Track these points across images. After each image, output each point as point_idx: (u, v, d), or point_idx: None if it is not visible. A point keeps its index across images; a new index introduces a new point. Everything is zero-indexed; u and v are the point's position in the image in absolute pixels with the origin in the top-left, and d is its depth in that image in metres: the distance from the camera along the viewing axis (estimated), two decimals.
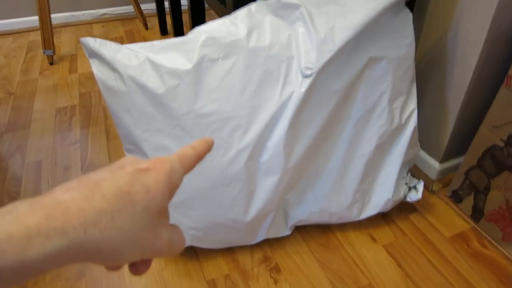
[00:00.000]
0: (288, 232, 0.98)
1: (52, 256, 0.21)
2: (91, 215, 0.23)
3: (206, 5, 1.18)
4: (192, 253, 0.96)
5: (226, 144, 0.77)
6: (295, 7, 0.76)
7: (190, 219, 0.85)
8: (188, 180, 0.80)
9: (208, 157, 0.79)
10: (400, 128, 0.91)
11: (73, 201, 0.23)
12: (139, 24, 2.37)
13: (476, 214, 1.03)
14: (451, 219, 1.06)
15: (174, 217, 0.85)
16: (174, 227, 0.29)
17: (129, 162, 0.28)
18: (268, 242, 0.99)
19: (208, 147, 0.34)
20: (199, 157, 0.32)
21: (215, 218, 0.85)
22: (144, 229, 0.26)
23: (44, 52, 1.88)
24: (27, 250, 0.21)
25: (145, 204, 0.26)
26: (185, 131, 0.76)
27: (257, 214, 0.86)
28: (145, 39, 2.17)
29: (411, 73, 0.88)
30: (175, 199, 0.81)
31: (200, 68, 0.73)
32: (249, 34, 0.74)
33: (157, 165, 0.28)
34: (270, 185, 0.83)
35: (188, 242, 0.90)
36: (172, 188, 0.28)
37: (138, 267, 0.29)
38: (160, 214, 0.27)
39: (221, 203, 0.83)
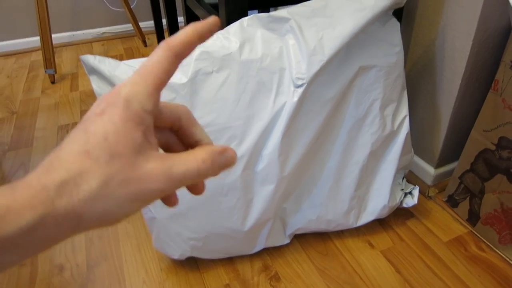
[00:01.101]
0: (287, 241, 1.00)
1: (28, 230, 0.22)
2: (53, 188, 0.23)
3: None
4: (193, 264, 0.97)
5: None
6: (285, 20, 0.79)
7: (189, 229, 0.87)
8: (186, 191, 0.82)
9: None
10: (393, 134, 0.93)
11: (36, 178, 0.23)
12: (138, 42, 2.42)
13: (472, 218, 1.04)
14: (448, 224, 1.07)
15: (174, 228, 0.87)
16: (171, 155, 0.26)
17: (89, 113, 0.25)
18: (268, 251, 1.00)
19: (200, 34, 0.27)
20: (178, 55, 0.26)
21: (214, 228, 0.87)
22: (119, 179, 0.24)
23: (45, 71, 1.92)
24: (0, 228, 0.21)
25: (107, 155, 0.23)
26: None
27: (255, 223, 0.87)
28: (144, 56, 2.21)
29: (401, 80, 0.90)
30: (174, 210, 0.83)
31: (195, 81, 0.76)
32: (241, 47, 0.77)
33: (109, 102, 0.25)
34: (267, 193, 0.85)
35: (188, 253, 0.92)
36: (136, 115, 0.24)
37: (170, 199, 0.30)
38: (134, 149, 0.24)
39: (219, 213, 0.84)
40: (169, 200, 0.32)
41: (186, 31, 0.27)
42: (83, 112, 1.68)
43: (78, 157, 0.23)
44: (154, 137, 0.26)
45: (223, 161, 0.27)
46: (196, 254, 0.93)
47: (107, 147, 0.23)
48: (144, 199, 0.25)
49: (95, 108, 0.25)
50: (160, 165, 0.25)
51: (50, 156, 0.24)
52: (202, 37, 0.27)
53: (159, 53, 0.26)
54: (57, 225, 0.23)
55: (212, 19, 0.27)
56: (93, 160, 0.23)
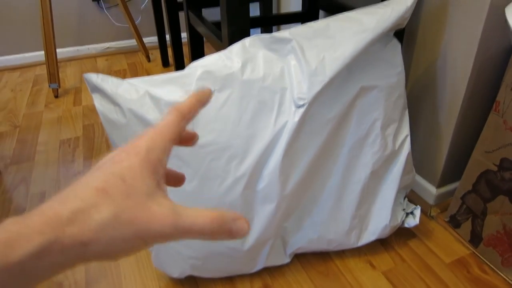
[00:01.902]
0: (287, 260, 0.99)
1: (35, 256, 0.23)
2: (66, 215, 0.24)
3: (204, 38, 1.23)
4: (193, 283, 0.97)
5: (223, 173, 0.79)
6: (287, 41, 0.79)
7: (190, 248, 0.87)
8: None
9: (205, 186, 0.81)
10: (394, 154, 0.93)
11: (49, 207, 0.25)
12: (141, 57, 2.44)
13: (475, 239, 1.04)
14: (450, 245, 1.06)
15: (174, 246, 0.87)
16: (183, 207, 0.28)
17: (106, 159, 0.28)
18: (268, 271, 0.99)
19: (199, 102, 0.32)
20: (186, 118, 0.31)
21: (214, 247, 0.86)
22: (130, 215, 0.25)
23: (49, 86, 1.93)
24: (10, 252, 0.22)
25: (123, 193, 0.26)
26: (183, 161, 0.79)
27: (255, 242, 0.87)
28: (147, 71, 2.22)
29: (402, 100, 0.91)
30: None
31: None
32: (243, 67, 0.77)
33: (130, 152, 0.27)
34: (267, 212, 0.84)
35: (188, 272, 0.91)
36: (154, 166, 0.27)
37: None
38: (148, 194, 0.26)
39: None
40: None
41: (191, 100, 0.31)
42: (85, 127, 1.69)
43: (95, 192, 0.25)
44: (165, 186, 0.28)
45: (234, 228, 0.27)
46: (196, 273, 0.92)
47: (123, 188, 0.26)
48: (147, 240, 0.26)
49: (113, 155, 0.28)
50: (170, 211, 0.26)
51: (65, 189, 0.26)
52: (203, 103, 0.32)
53: (171, 116, 0.30)
54: (62, 253, 0.24)
55: (208, 90, 0.33)
56: (108, 196, 0.25)
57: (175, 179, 0.36)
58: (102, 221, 0.25)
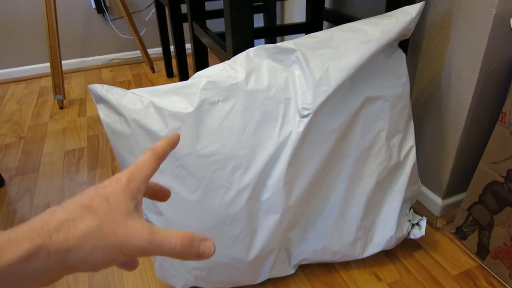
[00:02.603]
0: (291, 271, 0.98)
1: (24, 259, 0.25)
2: (53, 224, 0.27)
3: (208, 49, 1.23)
4: None
5: (227, 183, 0.79)
6: (291, 51, 0.79)
7: None
8: (190, 219, 0.82)
9: (209, 197, 0.81)
10: (399, 165, 0.93)
11: (38, 218, 0.28)
12: (146, 68, 2.45)
13: (482, 251, 1.02)
14: (456, 256, 1.05)
15: None
16: (157, 226, 0.32)
17: (90, 188, 0.32)
18: (272, 282, 0.98)
19: (170, 145, 0.38)
20: (160, 157, 0.36)
21: (217, 257, 0.85)
22: (111, 227, 0.29)
23: (54, 97, 1.95)
24: (1, 256, 0.25)
25: (106, 210, 0.29)
26: (187, 171, 0.78)
27: (259, 253, 0.86)
28: (152, 82, 2.23)
29: (407, 111, 0.90)
30: None
31: (201, 110, 0.76)
32: (247, 77, 0.77)
33: (112, 181, 0.32)
34: (271, 223, 0.84)
35: (191, 283, 0.90)
36: (133, 193, 0.32)
37: (124, 264, 0.35)
38: (127, 213, 0.30)
39: (223, 242, 0.83)
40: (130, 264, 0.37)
41: (163, 143, 0.37)
42: (90, 137, 1.69)
43: (81, 207, 0.29)
44: (141, 209, 0.33)
45: (201, 249, 0.31)
46: (199, 284, 0.91)
47: (106, 206, 0.30)
48: (124, 252, 0.29)
49: (98, 184, 0.32)
50: (146, 229, 0.30)
51: (54, 207, 0.29)
52: (174, 146, 0.38)
53: (148, 156, 0.35)
54: (49, 258, 0.27)
55: (176, 135, 0.39)
56: (92, 211, 0.29)
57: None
58: (86, 230, 0.28)
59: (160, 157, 0.36)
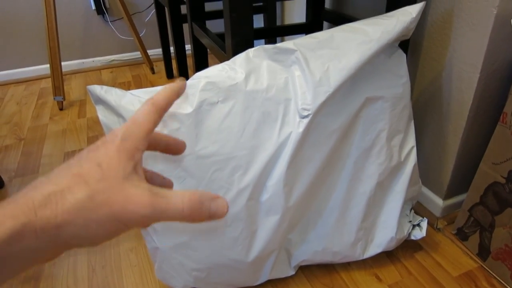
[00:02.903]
0: (292, 272, 0.97)
1: (9, 239, 0.23)
2: (39, 198, 0.24)
3: (208, 50, 1.23)
4: None
5: (227, 184, 0.78)
6: (290, 51, 0.79)
7: (193, 260, 0.85)
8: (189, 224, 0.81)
9: None
10: (400, 165, 0.92)
11: (22, 193, 0.25)
12: (146, 69, 2.45)
13: (483, 252, 1.02)
14: (457, 258, 1.04)
15: (177, 258, 0.86)
16: (161, 188, 0.28)
17: (84, 150, 0.29)
18: (272, 283, 0.98)
19: (173, 94, 0.33)
20: (160, 108, 0.32)
21: (217, 258, 0.85)
22: (105, 196, 0.25)
23: (54, 99, 1.94)
24: None
25: (98, 177, 0.26)
26: (187, 172, 0.78)
27: (259, 254, 0.86)
28: (152, 83, 2.23)
29: (407, 111, 0.90)
30: (177, 240, 0.82)
31: (200, 111, 0.76)
32: (247, 78, 0.77)
33: (106, 140, 0.28)
34: (271, 224, 0.83)
35: (191, 284, 0.90)
36: (130, 152, 0.28)
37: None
38: (124, 177, 0.26)
39: (223, 244, 0.83)
40: None
41: (166, 90, 0.32)
42: (90, 139, 1.69)
43: (70, 176, 0.26)
44: (142, 172, 0.29)
45: (212, 207, 0.28)
46: (199, 285, 0.91)
47: (99, 172, 0.26)
48: (125, 222, 0.26)
49: (91, 146, 0.28)
50: (146, 192, 0.26)
51: (40, 178, 0.26)
52: (178, 95, 0.33)
53: (146, 107, 0.31)
54: (36, 236, 0.24)
55: (183, 82, 0.34)
56: (83, 179, 0.26)
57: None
58: (76, 203, 0.25)
59: (161, 109, 0.32)
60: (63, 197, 0.25)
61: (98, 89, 0.80)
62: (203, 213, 0.27)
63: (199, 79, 0.77)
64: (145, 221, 0.26)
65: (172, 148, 0.37)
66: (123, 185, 0.26)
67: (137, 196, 0.26)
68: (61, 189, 0.25)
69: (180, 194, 0.27)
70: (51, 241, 0.24)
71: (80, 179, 0.26)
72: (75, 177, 0.26)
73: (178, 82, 0.34)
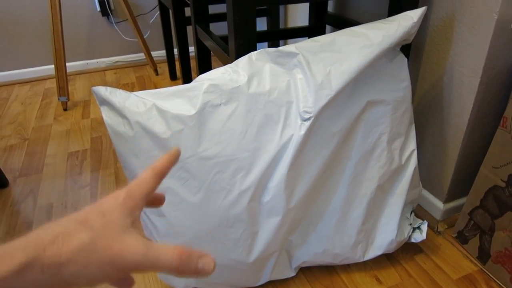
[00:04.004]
0: (292, 274, 0.98)
1: (16, 273, 0.25)
2: (47, 237, 0.27)
3: (211, 52, 1.24)
4: None
5: (229, 185, 0.79)
6: (293, 55, 0.80)
7: None
8: (192, 221, 0.82)
9: (211, 199, 0.81)
10: (400, 168, 0.93)
11: (33, 233, 0.27)
12: (150, 70, 2.46)
13: (483, 256, 1.02)
14: (457, 261, 1.05)
15: None
16: (158, 244, 0.31)
17: (88, 205, 0.32)
18: (273, 284, 0.98)
19: (170, 162, 0.37)
20: (160, 175, 0.36)
21: (218, 259, 0.86)
22: (105, 241, 0.28)
23: (58, 99, 1.96)
24: None
25: (101, 224, 0.29)
26: (189, 173, 0.79)
27: (260, 255, 0.86)
28: (155, 85, 2.24)
29: (408, 115, 0.91)
30: (179, 240, 0.83)
31: (203, 113, 0.77)
32: (249, 80, 0.78)
33: (110, 197, 0.32)
34: (272, 225, 0.84)
35: (193, 284, 0.91)
36: (131, 208, 0.32)
37: (119, 284, 0.35)
38: (123, 229, 0.30)
39: (224, 244, 0.84)
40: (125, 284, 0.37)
41: (163, 160, 0.37)
42: (93, 139, 1.70)
43: (76, 222, 0.29)
44: (139, 226, 0.32)
45: (199, 265, 0.30)
46: (200, 285, 0.92)
47: (102, 221, 0.29)
48: (119, 266, 0.28)
49: (95, 202, 0.32)
50: (141, 243, 0.29)
51: (49, 222, 0.29)
52: (174, 162, 0.38)
53: (147, 173, 0.35)
54: (42, 271, 0.26)
55: (177, 151, 0.39)
56: (88, 225, 0.29)
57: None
58: (80, 244, 0.28)
59: (160, 175, 0.36)
60: (69, 238, 0.27)
61: (103, 91, 0.81)
62: (190, 267, 0.30)
63: (202, 82, 0.78)
64: (137, 267, 0.29)
65: (154, 201, 0.40)
66: (121, 234, 0.29)
67: (133, 245, 0.29)
68: (68, 231, 0.28)
69: (171, 248, 0.30)
70: (54, 278, 0.27)
71: (86, 224, 0.29)
72: (81, 223, 0.29)
73: (174, 151, 0.39)
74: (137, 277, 1.02)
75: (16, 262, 0.25)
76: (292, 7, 1.94)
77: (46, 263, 0.26)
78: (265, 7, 2.05)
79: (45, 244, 0.27)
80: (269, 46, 1.36)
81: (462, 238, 1.09)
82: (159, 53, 2.58)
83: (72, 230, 0.28)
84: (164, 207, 0.82)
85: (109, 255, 0.28)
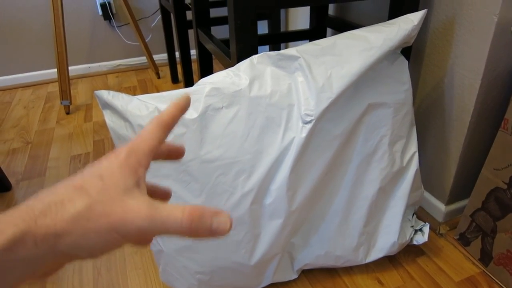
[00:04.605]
0: (294, 276, 0.98)
1: (7, 248, 0.23)
2: (39, 208, 0.25)
3: (213, 55, 1.25)
4: None
5: (231, 188, 0.80)
6: (294, 58, 0.80)
7: (196, 263, 0.87)
8: None
9: (213, 201, 0.81)
10: (402, 171, 0.93)
11: (25, 204, 0.25)
12: (151, 74, 2.47)
13: (485, 258, 1.02)
14: (459, 263, 1.05)
15: (181, 261, 0.87)
16: (166, 204, 0.27)
17: (87, 167, 0.29)
18: (275, 287, 0.99)
19: (178, 110, 0.33)
20: (166, 125, 0.32)
21: (221, 261, 0.86)
22: (104, 207, 0.25)
23: (61, 103, 1.97)
24: None
25: (98, 189, 0.26)
26: (191, 176, 0.79)
27: (262, 257, 0.87)
28: (157, 88, 2.25)
29: (409, 117, 0.91)
30: (182, 243, 0.83)
31: (205, 116, 0.77)
32: (251, 84, 0.79)
33: (110, 156, 0.29)
34: (274, 228, 0.84)
35: (195, 287, 0.91)
36: (133, 167, 0.28)
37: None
38: (125, 190, 0.27)
39: (226, 247, 0.84)
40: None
41: (170, 108, 0.33)
42: (95, 143, 1.71)
43: (71, 188, 0.26)
44: (144, 186, 0.28)
45: (214, 223, 0.26)
46: None
47: (100, 184, 0.26)
48: (122, 233, 0.25)
49: (95, 161, 0.28)
50: (146, 204, 0.26)
51: (43, 190, 0.26)
52: (183, 110, 0.33)
53: (151, 125, 0.31)
54: (36, 244, 0.24)
55: (187, 97, 0.34)
56: (84, 191, 0.26)
57: (162, 194, 0.37)
58: (76, 212, 0.25)
59: (167, 125, 0.32)
60: (63, 207, 0.25)
61: (106, 94, 0.81)
62: (203, 227, 0.26)
63: (204, 85, 0.79)
64: (143, 233, 0.26)
65: (173, 154, 0.37)
66: (123, 197, 0.26)
67: (136, 208, 0.26)
68: (61, 199, 0.25)
69: (180, 207, 0.26)
70: (50, 251, 0.25)
71: (81, 190, 0.26)
72: (76, 189, 0.26)
73: (182, 97, 0.34)
74: (139, 279, 1.03)
75: (5, 238, 0.23)
76: (292, 11, 1.95)
77: (39, 235, 0.24)
78: (265, 10, 2.06)
79: (36, 215, 0.24)
80: (270, 50, 1.36)
81: (464, 240, 1.09)
82: (161, 57, 2.59)
83: (66, 197, 0.25)
84: None
85: (109, 222, 0.25)
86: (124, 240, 0.26)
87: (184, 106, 0.34)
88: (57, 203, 0.25)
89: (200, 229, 0.26)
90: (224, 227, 0.26)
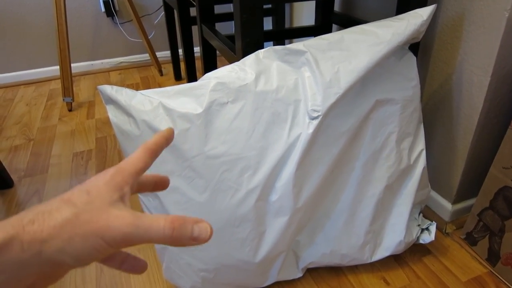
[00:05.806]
0: (299, 275, 0.97)
1: None
2: (28, 216, 0.27)
3: (217, 52, 1.24)
4: None
5: (236, 185, 0.78)
6: (301, 53, 0.79)
7: (200, 260, 0.85)
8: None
9: (218, 198, 0.80)
10: (409, 168, 0.92)
11: (17, 214, 0.27)
12: (154, 71, 2.46)
13: (492, 258, 1.01)
14: (466, 262, 1.04)
15: (185, 258, 0.86)
16: (148, 214, 0.29)
17: (76, 185, 0.31)
18: (279, 285, 0.97)
19: (163, 139, 0.36)
20: (152, 151, 0.34)
21: (225, 259, 0.85)
22: (90, 215, 0.27)
23: (63, 100, 1.96)
24: None
25: (85, 201, 0.28)
26: (196, 172, 0.78)
27: (267, 255, 0.85)
28: (160, 85, 2.24)
29: (417, 114, 0.89)
30: None
31: (210, 111, 0.76)
32: (257, 78, 0.77)
33: (98, 176, 0.31)
34: (280, 225, 0.83)
35: (199, 285, 0.90)
36: (118, 185, 0.30)
37: (130, 267, 0.34)
38: (110, 203, 0.28)
39: (231, 244, 0.83)
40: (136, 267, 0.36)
41: (157, 137, 0.36)
42: (98, 140, 1.70)
43: (59, 201, 0.28)
44: (129, 202, 0.31)
45: (195, 230, 0.28)
46: (207, 286, 0.91)
47: (86, 197, 0.28)
48: (108, 239, 0.27)
49: (84, 182, 0.31)
50: (130, 213, 0.28)
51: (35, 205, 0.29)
52: (167, 140, 0.37)
53: (139, 150, 0.34)
54: (22, 250, 0.25)
55: (170, 129, 0.38)
56: (71, 202, 0.28)
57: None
58: (62, 220, 0.27)
59: (152, 151, 0.35)
60: (50, 215, 0.27)
61: (109, 89, 0.80)
62: (185, 235, 0.28)
63: (209, 80, 0.78)
64: (127, 239, 0.27)
65: (159, 185, 0.39)
66: (108, 207, 0.28)
67: (120, 216, 0.28)
68: (50, 209, 0.27)
69: (162, 216, 0.28)
70: (37, 257, 0.26)
71: (69, 202, 0.28)
72: (64, 201, 0.28)
73: (167, 129, 0.38)
74: (143, 277, 1.01)
75: None
76: (298, 7, 1.93)
77: (26, 240, 0.25)
78: (270, 6, 2.04)
79: (24, 222, 0.26)
80: (275, 45, 1.35)
81: (471, 240, 1.07)
82: (164, 54, 2.58)
83: (54, 208, 0.27)
84: (170, 207, 0.81)
85: (94, 228, 0.27)
86: (109, 247, 0.27)
87: (169, 137, 0.37)
88: (45, 212, 0.27)
89: (182, 236, 0.28)
90: (205, 234, 0.28)
